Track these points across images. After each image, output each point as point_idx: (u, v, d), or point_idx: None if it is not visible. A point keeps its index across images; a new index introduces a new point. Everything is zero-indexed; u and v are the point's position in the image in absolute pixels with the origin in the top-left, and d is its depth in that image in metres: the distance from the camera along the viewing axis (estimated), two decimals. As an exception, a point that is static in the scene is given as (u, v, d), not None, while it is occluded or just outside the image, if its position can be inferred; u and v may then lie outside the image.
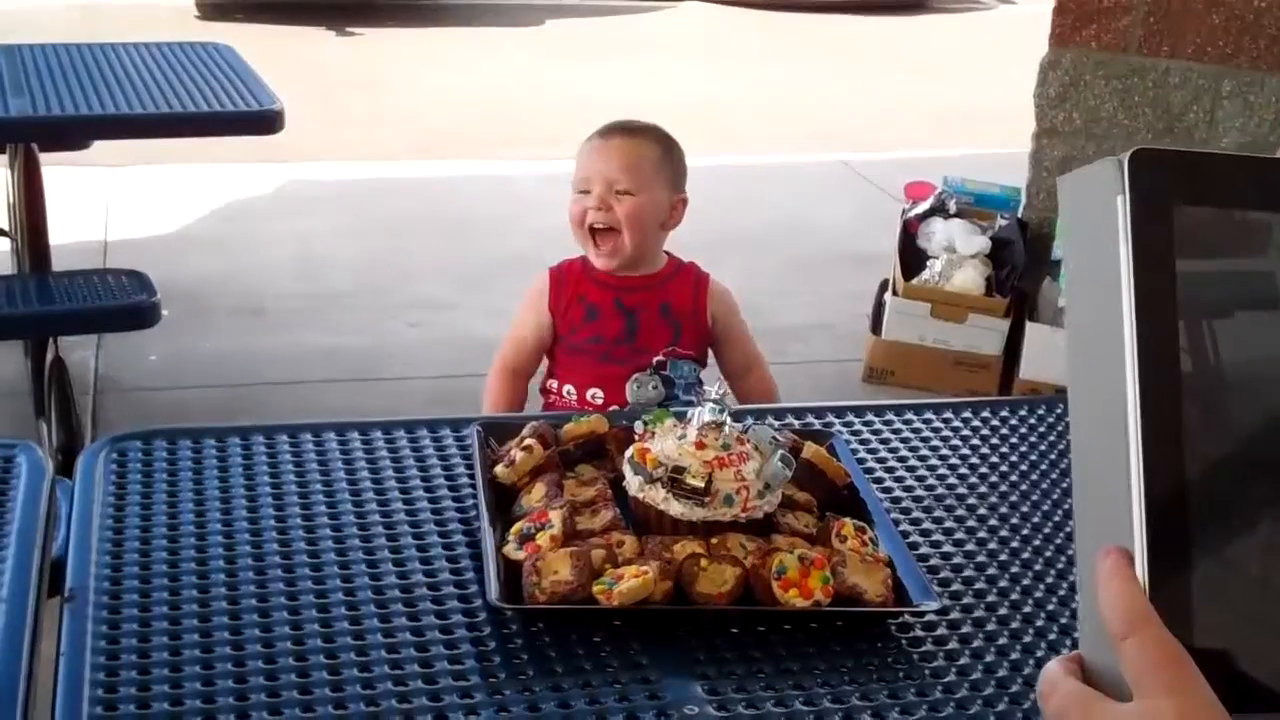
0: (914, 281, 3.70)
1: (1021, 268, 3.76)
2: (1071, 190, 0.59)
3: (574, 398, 2.27)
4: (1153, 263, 0.54)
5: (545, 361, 2.37)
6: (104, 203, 4.81)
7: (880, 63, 8.02)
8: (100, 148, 4.04)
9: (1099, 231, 0.56)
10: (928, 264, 3.76)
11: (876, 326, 3.76)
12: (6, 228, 3.63)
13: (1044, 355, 3.54)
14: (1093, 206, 0.56)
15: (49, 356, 3.15)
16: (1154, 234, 0.54)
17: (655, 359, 2.28)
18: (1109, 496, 0.56)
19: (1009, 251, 3.77)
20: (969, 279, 3.68)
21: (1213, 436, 0.55)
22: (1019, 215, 3.94)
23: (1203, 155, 0.56)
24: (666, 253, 2.41)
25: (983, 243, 3.76)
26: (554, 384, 2.33)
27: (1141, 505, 0.54)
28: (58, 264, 3.31)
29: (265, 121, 3.03)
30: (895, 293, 3.72)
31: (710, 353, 2.40)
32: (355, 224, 4.78)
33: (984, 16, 9.78)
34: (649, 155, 2.31)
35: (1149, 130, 3.81)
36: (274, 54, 5.74)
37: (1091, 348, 0.57)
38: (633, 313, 2.30)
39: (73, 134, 3.41)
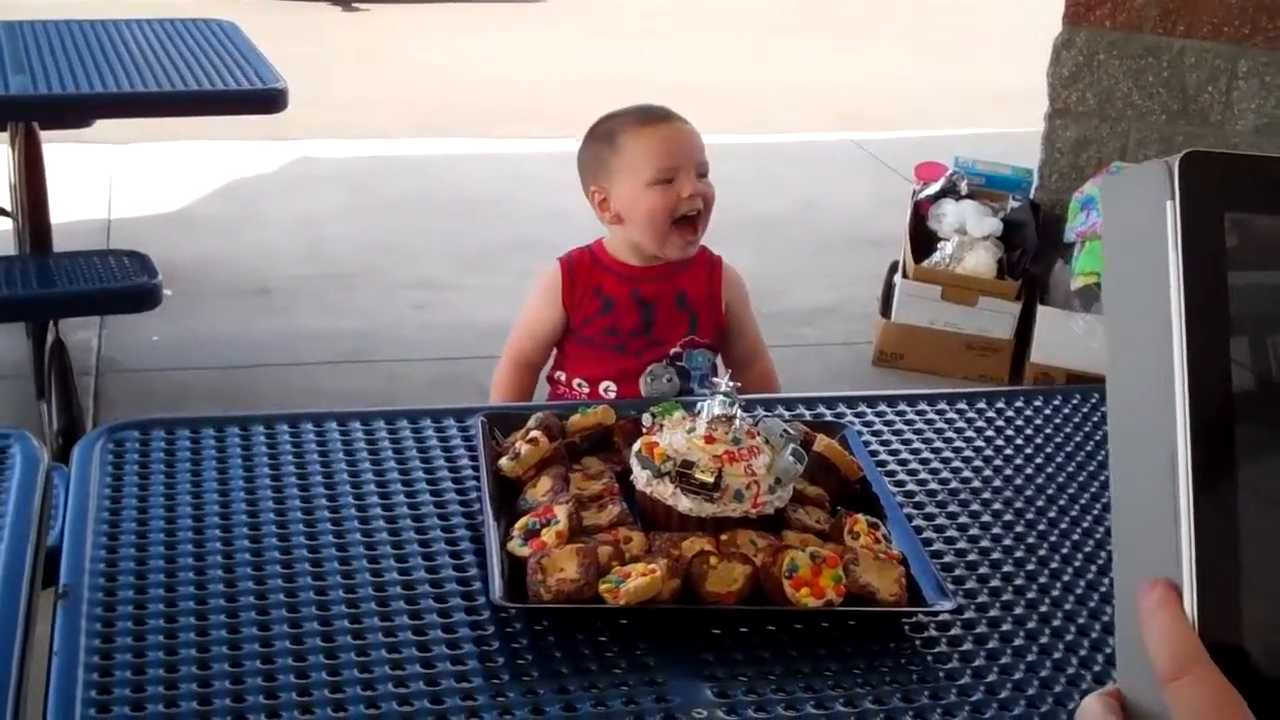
0: (924, 264, 3.66)
1: (1033, 250, 3.71)
2: (1114, 194, 0.55)
3: (586, 390, 2.20)
4: (1205, 273, 0.50)
5: (554, 351, 2.32)
6: (106, 180, 4.78)
7: (888, 38, 7.96)
8: (103, 124, 4.01)
9: (1145, 239, 0.52)
10: (938, 246, 3.71)
11: (886, 309, 3.72)
12: (8, 207, 3.60)
13: (1056, 339, 3.50)
14: (1138, 212, 0.53)
15: (50, 338, 3.13)
16: (1206, 243, 0.50)
17: (672, 350, 2.21)
18: (1153, 524, 0.52)
19: (1021, 234, 3.73)
20: (980, 261, 3.63)
21: (1268, 461, 0.52)
22: (1031, 197, 3.89)
23: (1258, 159, 0.52)
24: None
25: (994, 224, 3.71)
26: (562, 375, 2.26)
27: (1191, 535, 0.50)
28: (60, 243, 3.28)
29: (269, 100, 3.00)
30: (905, 275, 3.67)
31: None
32: (359, 203, 4.75)
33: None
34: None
35: (1163, 111, 3.76)
36: (278, 29, 5.70)
37: (1135, 362, 0.53)
38: (649, 304, 2.22)
39: (74, 113, 3.38)
